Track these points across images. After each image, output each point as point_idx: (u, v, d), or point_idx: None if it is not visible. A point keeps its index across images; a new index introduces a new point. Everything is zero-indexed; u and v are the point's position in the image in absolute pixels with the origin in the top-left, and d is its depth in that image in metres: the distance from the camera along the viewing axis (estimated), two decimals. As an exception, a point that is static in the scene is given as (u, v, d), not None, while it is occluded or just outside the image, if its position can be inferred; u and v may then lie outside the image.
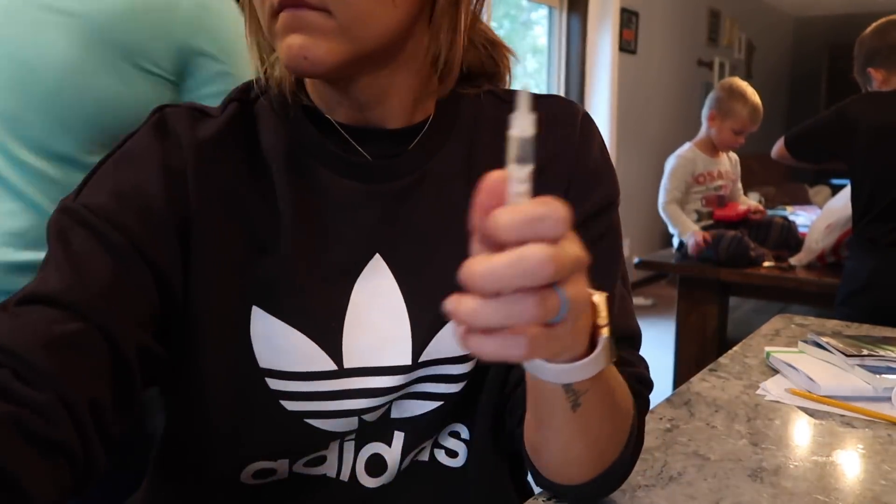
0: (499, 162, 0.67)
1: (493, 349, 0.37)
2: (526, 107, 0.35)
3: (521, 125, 0.34)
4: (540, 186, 0.67)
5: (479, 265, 0.36)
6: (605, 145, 0.70)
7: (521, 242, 0.36)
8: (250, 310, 0.62)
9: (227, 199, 0.62)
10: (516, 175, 0.35)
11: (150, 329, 0.57)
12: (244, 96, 0.66)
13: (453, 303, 0.37)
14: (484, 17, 0.66)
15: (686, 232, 2.72)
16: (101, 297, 0.54)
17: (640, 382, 0.66)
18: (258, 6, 0.57)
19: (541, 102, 0.69)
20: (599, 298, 0.49)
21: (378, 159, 0.64)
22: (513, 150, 0.35)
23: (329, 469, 0.67)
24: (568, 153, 0.67)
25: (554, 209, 0.36)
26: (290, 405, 0.62)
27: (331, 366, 0.62)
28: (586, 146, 0.68)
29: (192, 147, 0.61)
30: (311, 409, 0.63)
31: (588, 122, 0.69)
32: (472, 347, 0.38)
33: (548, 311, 0.37)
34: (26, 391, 0.48)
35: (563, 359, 0.48)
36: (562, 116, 0.68)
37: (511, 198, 0.36)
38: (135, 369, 0.55)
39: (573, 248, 0.38)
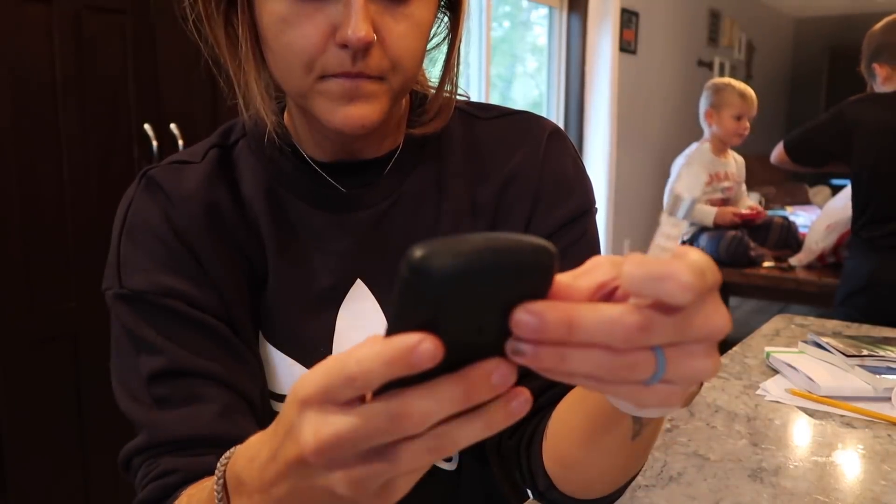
0: (468, 176, 0.68)
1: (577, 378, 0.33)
2: (697, 165, 0.31)
3: (687, 184, 0.32)
4: (506, 201, 0.69)
5: (574, 315, 0.32)
6: (578, 157, 0.71)
7: (643, 296, 0.32)
8: (259, 337, 0.67)
9: (225, 240, 0.64)
10: (665, 228, 0.32)
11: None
12: (223, 141, 0.69)
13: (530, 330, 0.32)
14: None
15: (709, 216, 2.73)
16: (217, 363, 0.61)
17: None
18: (291, 60, 0.56)
19: (511, 119, 0.71)
20: None
21: (352, 189, 0.66)
22: (670, 201, 0.33)
23: None
24: (533, 168, 0.68)
25: (678, 271, 0.30)
26: None
27: None
28: (553, 160, 0.69)
29: (183, 200, 0.64)
30: None
31: (556, 137, 0.70)
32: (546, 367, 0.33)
33: (637, 372, 0.33)
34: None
35: None
36: (528, 134, 0.70)
37: (652, 247, 0.33)
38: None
39: (695, 318, 0.33)
